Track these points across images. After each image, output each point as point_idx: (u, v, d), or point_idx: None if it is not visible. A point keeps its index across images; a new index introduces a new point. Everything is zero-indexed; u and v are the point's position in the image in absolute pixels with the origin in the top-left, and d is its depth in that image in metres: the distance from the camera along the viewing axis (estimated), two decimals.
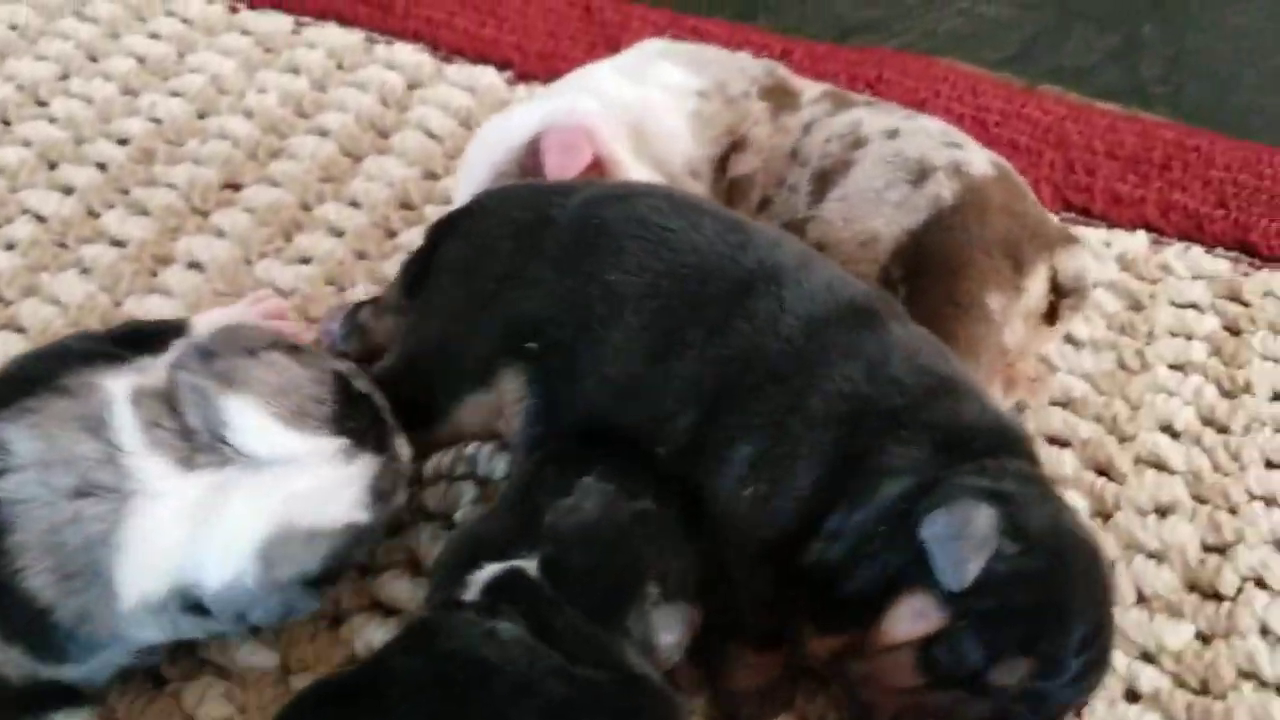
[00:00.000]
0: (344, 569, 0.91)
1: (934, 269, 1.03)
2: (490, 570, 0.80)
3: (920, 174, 1.07)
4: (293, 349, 0.89)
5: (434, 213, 1.30)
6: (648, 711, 0.75)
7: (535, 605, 0.77)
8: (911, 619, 0.82)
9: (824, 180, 1.10)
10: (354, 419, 0.87)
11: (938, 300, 1.01)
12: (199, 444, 0.83)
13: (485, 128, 1.18)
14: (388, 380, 0.95)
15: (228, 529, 0.82)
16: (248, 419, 0.83)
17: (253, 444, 0.83)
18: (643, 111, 1.12)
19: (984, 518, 0.80)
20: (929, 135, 1.10)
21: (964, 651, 0.80)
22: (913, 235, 1.05)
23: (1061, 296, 1.08)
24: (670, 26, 1.55)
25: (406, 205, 1.34)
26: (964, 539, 0.79)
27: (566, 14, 1.59)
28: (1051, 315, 1.10)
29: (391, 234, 1.31)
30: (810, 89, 1.18)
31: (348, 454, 0.86)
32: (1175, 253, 1.32)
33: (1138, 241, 1.33)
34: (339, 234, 1.30)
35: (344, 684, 0.77)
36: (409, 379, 0.96)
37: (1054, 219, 1.14)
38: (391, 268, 1.26)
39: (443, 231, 1.01)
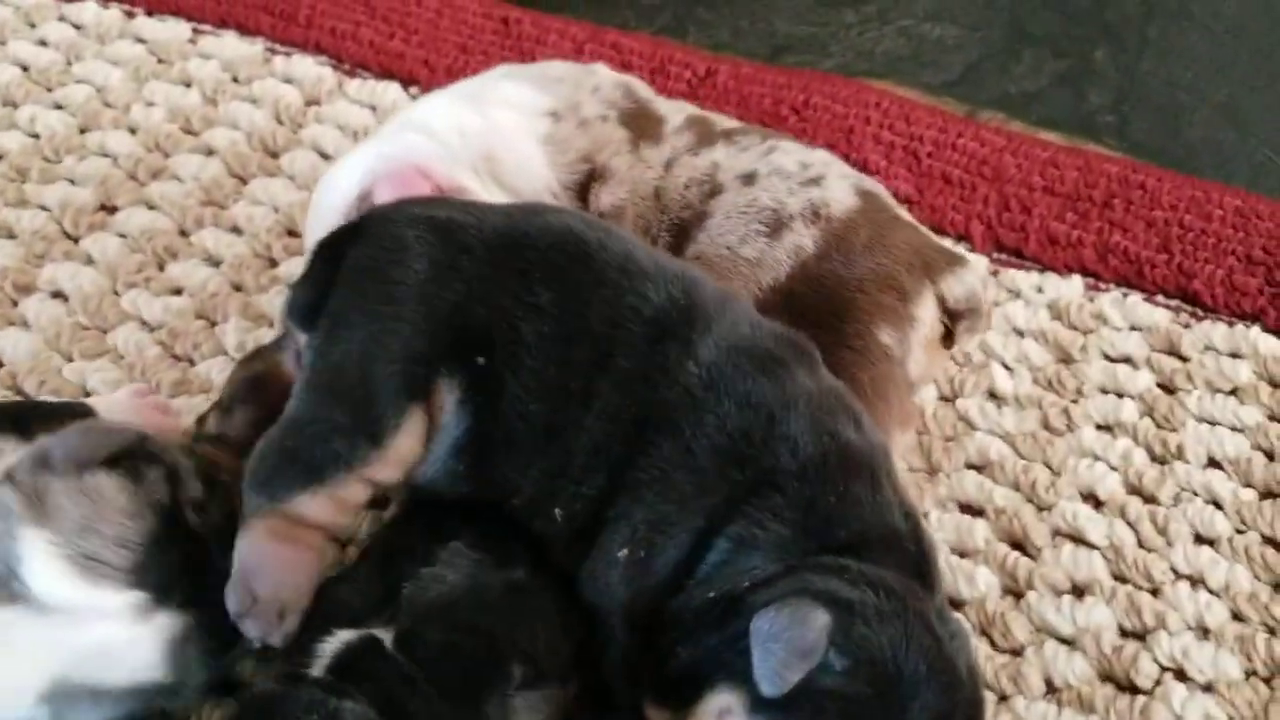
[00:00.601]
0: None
1: (814, 318, 0.97)
2: (342, 638, 0.74)
3: (776, 224, 1.02)
4: (131, 470, 0.81)
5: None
6: None
7: (386, 683, 0.72)
8: (716, 717, 0.75)
9: (681, 235, 1.04)
10: (160, 569, 0.78)
11: (830, 346, 0.94)
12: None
13: (318, 188, 1.08)
14: (300, 420, 0.84)
15: (10, 672, 0.75)
16: (38, 559, 0.76)
17: (40, 586, 0.76)
18: (489, 136, 1.04)
19: (817, 625, 0.72)
20: (785, 176, 1.05)
21: None
22: (778, 290, 1.00)
23: (955, 320, 1.02)
24: (589, 41, 1.47)
25: (291, 232, 1.26)
26: (789, 644, 0.72)
27: (481, 26, 1.51)
28: (948, 339, 1.04)
29: (272, 263, 1.23)
30: (673, 115, 1.11)
31: (142, 610, 0.78)
32: (1112, 300, 1.24)
33: (1072, 287, 1.25)
34: (216, 263, 1.22)
35: None
36: (334, 407, 0.83)
37: (935, 241, 1.06)
38: (268, 302, 1.18)
39: (337, 244, 0.90)
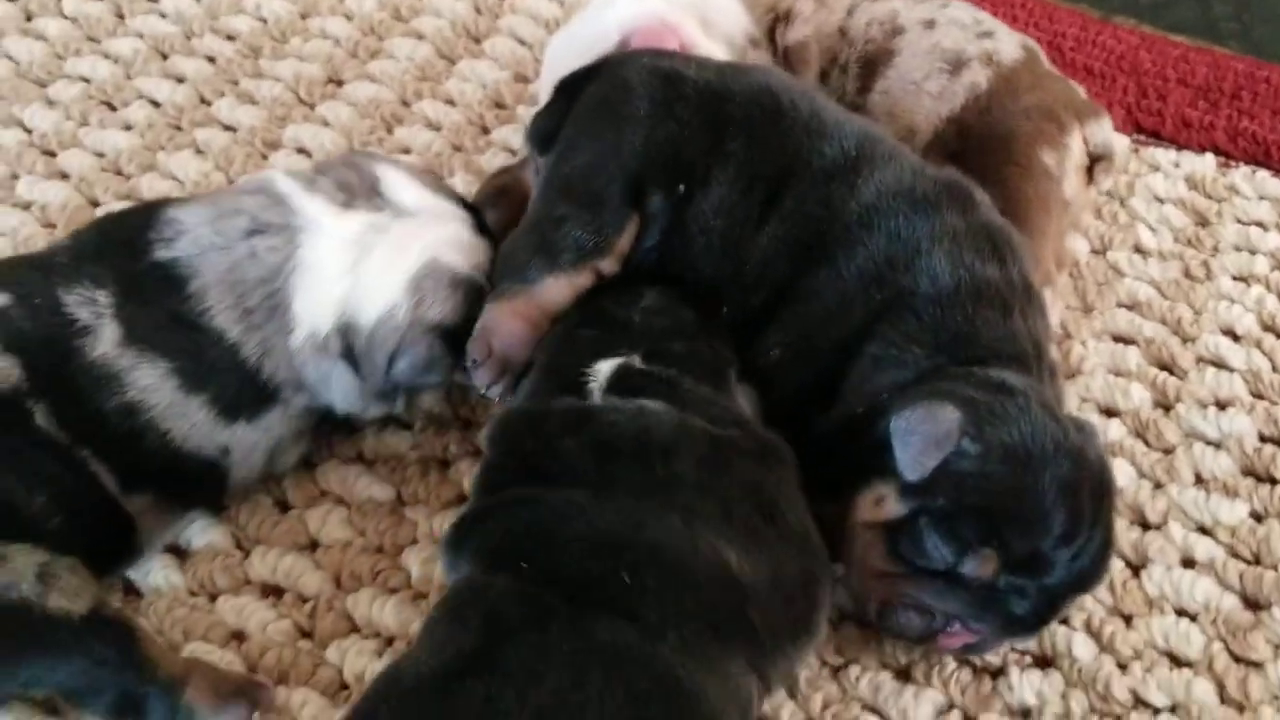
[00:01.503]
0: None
1: (983, 142, 1.15)
2: (602, 369, 0.90)
3: (957, 64, 1.20)
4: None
5: (525, 113, 1.40)
6: (775, 454, 0.88)
7: (654, 386, 0.87)
8: (872, 505, 0.90)
9: (869, 67, 1.23)
10: (475, 212, 1.05)
11: (998, 165, 1.11)
12: (354, 194, 0.99)
13: (564, 36, 1.26)
14: (543, 217, 1.02)
15: (384, 261, 0.97)
16: (398, 178, 1.01)
17: (403, 196, 1.00)
18: None
19: (949, 417, 0.85)
20: (962, 27, 1.23)
21: (926, 544, 0.87)
22: (951, 120, 1.18)
23: (1095, 161, 1.19)
24: None
25: (499, 105, 1.43)
26: (924, 435, 0.85)
27: None
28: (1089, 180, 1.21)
29: (485, 130, 1.40)
30: None
31: (475, 229, 1.02)
32: (1242, 175, 1.39)
33: (1206, 163, 1.40)
34: (436, 128, 1.40)
35: (516, 457, 0.87)
36: (571, 208, 1.01)
37: (1082, 93, 1.24)
38: (487, 161, 1.36)
39: (576, 84, 1.08)
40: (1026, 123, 1.15)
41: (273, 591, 0.99)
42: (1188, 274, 1.28)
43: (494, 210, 1.14)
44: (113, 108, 1.39)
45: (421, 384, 1.01)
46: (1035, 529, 0.85)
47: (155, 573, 0.99)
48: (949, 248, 0.96)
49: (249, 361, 0.94)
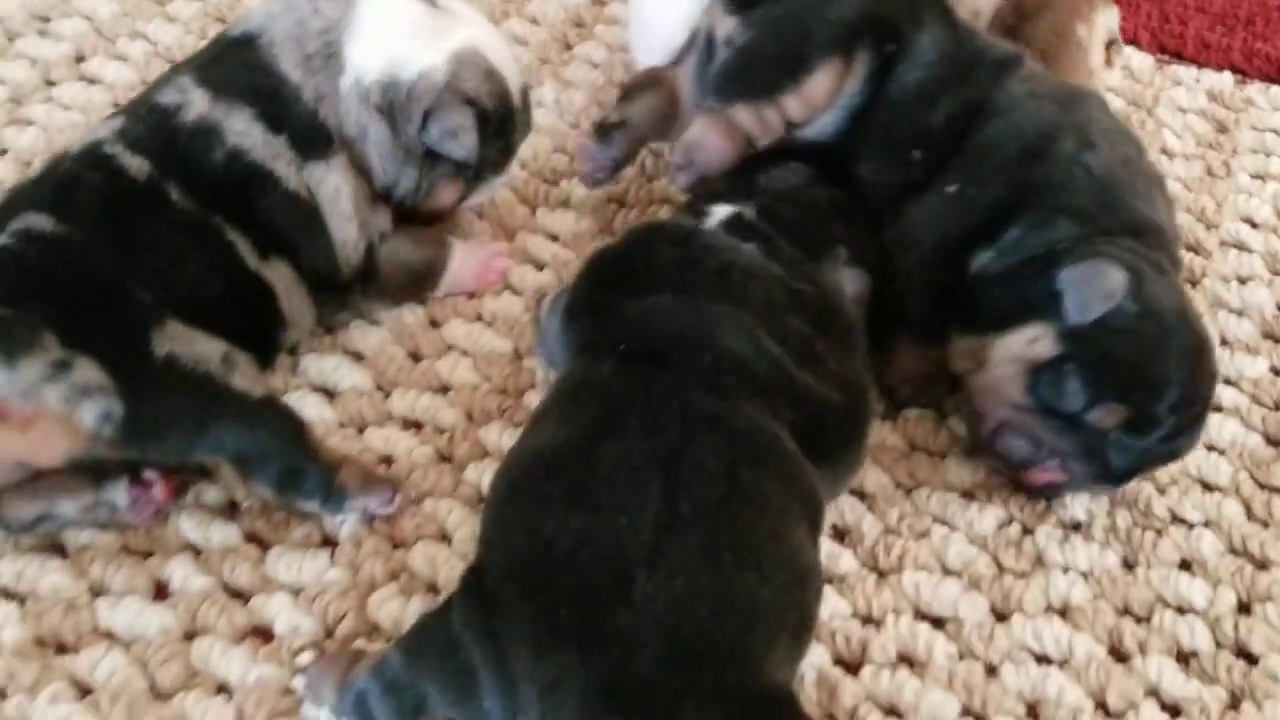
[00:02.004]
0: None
1: (1033, 12, 1.29)
2: (718, 213, 1.03)
3: None
4: None
5: (603, 31, 1.53)
6: (836, 314, 0.99)
7: (760, 235, 1.00)
8: (1029, 341, 1.01)
9: None
10: None
11: (1044, 34, 1.26)
12: None
13: None
14: (748, 50, 1.12)
15: (431, 33, 1.10)
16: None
17: (458, 7, 1.13)
18: None
19: (1117, 276, 0.97)
20: None
21: (1066, 387, 0.98)
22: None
23: (1109, 44, 1.34)
24: None
25: (579, 24, 1.56)
26: (1096, 287, 0.97)
27: None
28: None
29: (568, 46, 1.53)
30: None
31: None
32: (1257, 89, 1.53)
33: (1224, 80, 1.54)
34: (524, 44, 1.52)
35: (620, 258, 1.00)
36: (774, 44, 1.11)
37: None
38: (571, 72, 1.48)
39: None
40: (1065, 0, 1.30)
41: (413, 425, 1.11)
42: (1210, 172, 1.41)
43: (644, 95, 1.24)
44: (226, 23, 1.51)
45: (447, 151, 1.11)
46: (1163, 391, 0.95)
47: (308, 409, 1.11)
48: (1099, 133, 1.06)
49: (309, 104, 1.06)
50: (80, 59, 1.44)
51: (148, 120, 1.04)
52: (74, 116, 1.36)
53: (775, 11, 1.13)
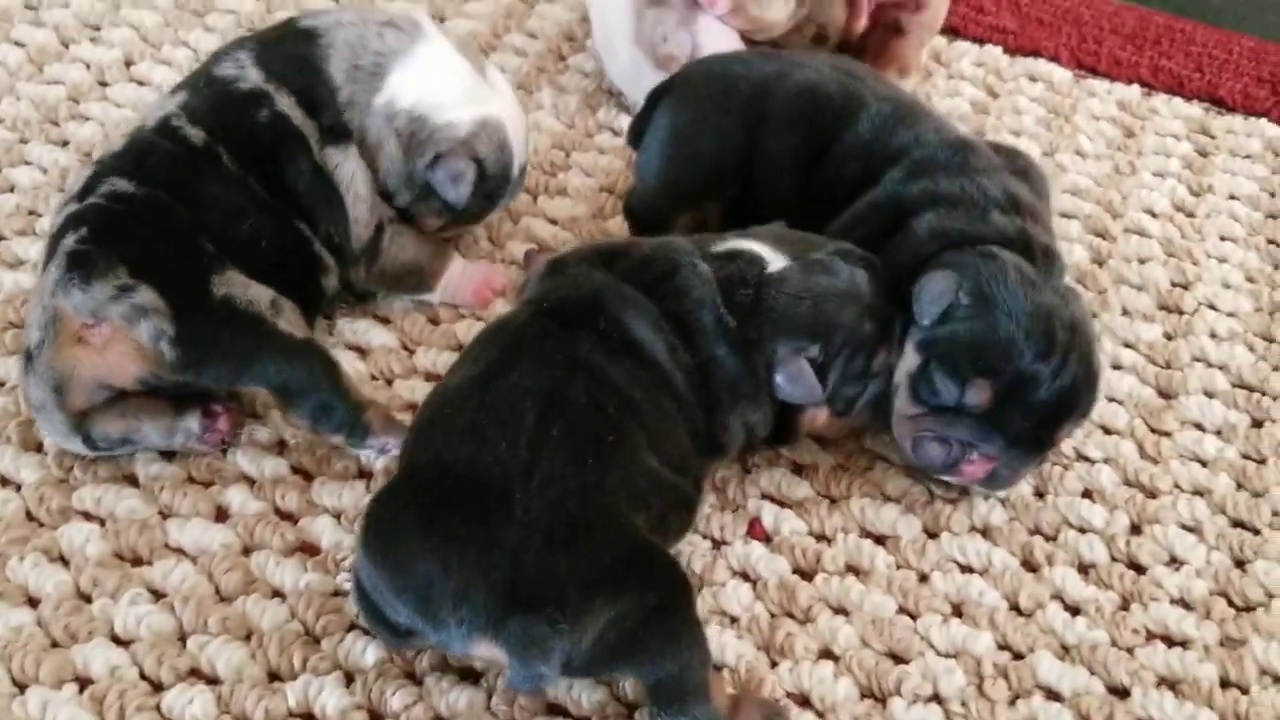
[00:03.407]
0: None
1: None
2: (727, 245, 1.10)
3: None
4: None
5: (593, 44, 1.65)
6: (721, 380, 1.05)
7: (725, 292, 1.07)
8: (905, 362, 1.08)
9: None
10: None
11: None
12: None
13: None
14: (630, 194, 1.33)
15: (469, 94, 1.22)
16: (499, 78, 1.28)
17: (499, 86, 1.26)
18: None
19: (943, 278, 1.05)
20: None
21: (936, 383, 1.04)
22: None
23: None
24: None
25: (571, 38, 1.69)
26: (929, 292, 1.05)
27: None
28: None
29: (562, 58, 1.66)
30: None
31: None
32: (1161, 100, 1.68)
33: (1132, 92, 1.69)
34: (523, 55, 1.65)
35: (608, 247, 1.11)
36: (639, 200, 1.31)
37: None
38: (565, 79, 1.61)
39: (659, 95, 1.31)
40: None
41: (434, 377, 1.23)
42: (1117, 170, 1.56)
43: None
44: None
45: (442, 191, 1.21)
46: (1012, 351, 1.02)
47: (344, 363, 1.22)
48: (951, 174, 1.15)
49: (341, 104, 1.17)
50: (130, 63, 1.56)
51: (205, 92, 1.16)
52: (127, 113, 1.48)
53: (640, 162, 1.33)
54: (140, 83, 1.54)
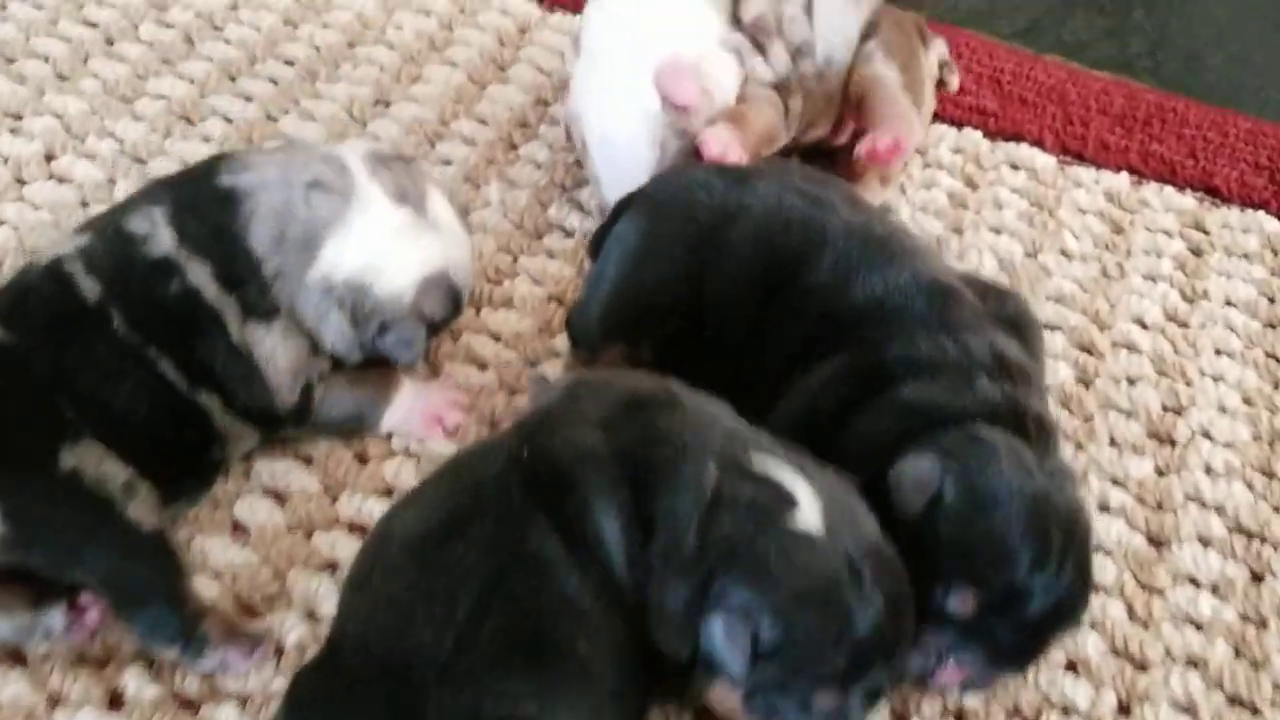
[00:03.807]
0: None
1: (887, 38, 1.42)
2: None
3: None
4: None
5: (546, 131, 1.54)
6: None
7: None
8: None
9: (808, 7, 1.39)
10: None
11: (900, 41, 1.42)
12: (406, 198, 1.14)
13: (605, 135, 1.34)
14: (573, 310, 1.23)
15: (409, 255, 1.13)
16: (439, 201, 1.18)
17: (439, 215, 1.17)
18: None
19: (927, 467, 0.93)
20: None
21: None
22: (868, 22, 1.42)
23: (942, 67, 1.51)
24: None
25: (524, 124, 1.57)
26: (909, 483, 0.93)
27: None
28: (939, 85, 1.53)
29: (514, 146, 1.54)
30: None
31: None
32: (1152, 190, 1.56)
33: (1121, 181, 1.57)
34: (471, 144, 1.53)
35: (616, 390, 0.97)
36: (578, 319, 1.21)
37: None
38: (515, 171, 1.50)
39: (622, 208, 1.21)
40: (910, 26, 1.48)
41: (359, 529, 1.12)
42: (1105, 273, 1.45)
43: None
44: (191, 122, 1.51)
45: (394, 356, 1.15)
46: (1004, 562, 0.90)
47: (259, 514, 1.12)
48: (931, 333, 1.02)
49: (266, 278, 1.07)
50: (50, 157, 1.44)
51: (111, 244, 1.05)
52: (44, 215, 1.36)
53: (593, 271, 1.23)
54: (61, 179, 1.42)
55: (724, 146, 1.25)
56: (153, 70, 1.57)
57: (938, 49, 1.53)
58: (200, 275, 1.05)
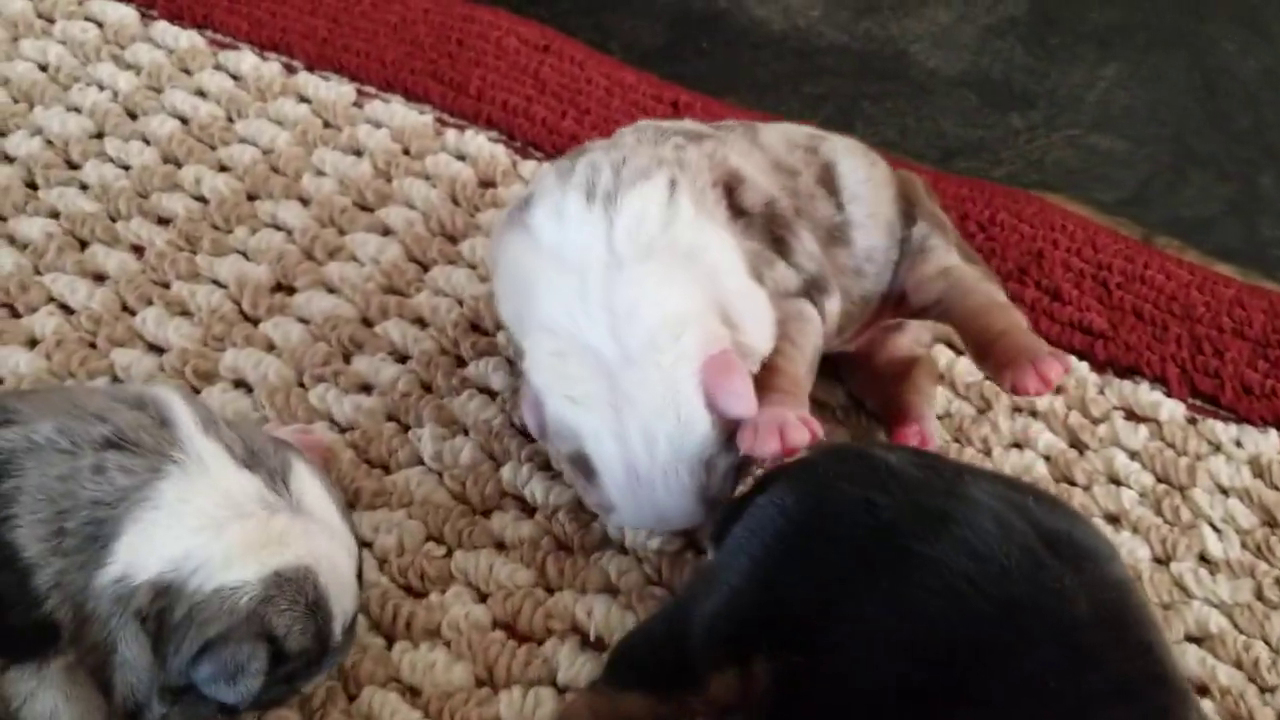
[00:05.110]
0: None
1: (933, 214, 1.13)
2: None
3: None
4: None
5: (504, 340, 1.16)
6: None
7: None
8: None
9: (825, 179, 1.06)
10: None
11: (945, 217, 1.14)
12: (259, 464, 0.80)
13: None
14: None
15: (256, 537, 0.77)
16: (312, 481, 0.83)
17: (308, 497, 0.82)
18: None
19: None
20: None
21: None
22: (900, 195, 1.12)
23: None
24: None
25: (476, 327, 1.19)
26: None
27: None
28: None
29: (461, 363, 1.16)
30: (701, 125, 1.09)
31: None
32: None
33: (1270, 443, 1.20)
34: (403, 360, 1.15)
35: None
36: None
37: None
38: (460, 407, 1.12)
39: (769, 480, 0.86)
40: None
41: None
42: (1260, 595, 1.07)
43: None
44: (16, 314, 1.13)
45: (212, 693, 0.76)
46: None
47: None
48: None
49: (39, 590, 0.72)
50: None
51: None
52: None
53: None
54: None
55: (798, 433, 0.88)
56: None
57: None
58: None
